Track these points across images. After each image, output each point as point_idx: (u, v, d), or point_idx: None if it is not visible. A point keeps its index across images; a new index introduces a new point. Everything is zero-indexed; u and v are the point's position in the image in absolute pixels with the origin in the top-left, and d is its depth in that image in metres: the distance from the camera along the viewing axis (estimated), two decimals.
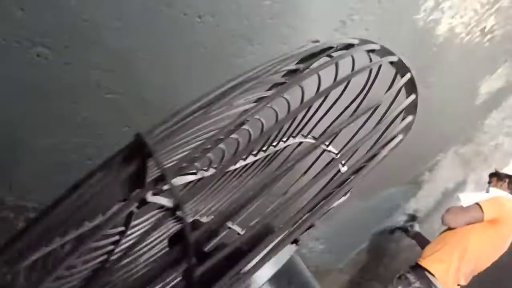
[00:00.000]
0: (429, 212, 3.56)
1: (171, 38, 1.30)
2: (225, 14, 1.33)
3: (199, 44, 1.37)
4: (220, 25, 1.35)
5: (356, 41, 0.50)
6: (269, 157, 0.75)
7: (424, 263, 2.38)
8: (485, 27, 2.05)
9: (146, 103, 1.40)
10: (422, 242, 2.82)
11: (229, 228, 0.79)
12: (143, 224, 0.66)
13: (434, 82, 2.16)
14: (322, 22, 1.54)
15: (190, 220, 0.75)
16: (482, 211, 2.22)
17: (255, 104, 0.45)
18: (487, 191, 2.57)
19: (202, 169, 0.68)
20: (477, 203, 2.28)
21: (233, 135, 0.59)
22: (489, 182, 2.72)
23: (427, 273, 2.33)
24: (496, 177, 2.66)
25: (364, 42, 0.50)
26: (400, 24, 1.74)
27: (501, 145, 3.28)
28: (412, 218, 3.07)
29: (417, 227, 2.95)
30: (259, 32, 1.44)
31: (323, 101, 0.61)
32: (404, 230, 2.98)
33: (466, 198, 2.46)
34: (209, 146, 0.41)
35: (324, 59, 0.49)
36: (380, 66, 0.50)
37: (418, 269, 2.40)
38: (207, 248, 0.57)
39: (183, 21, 1.28)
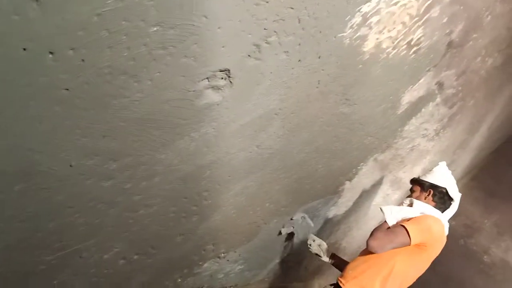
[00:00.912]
0: (347, 214, 3.48)
1: (10, 83, 0.88)
2: (91, 45, 0.93)
3: (57, 86, 0.96)
4: (87, 60, 0.95)
5: None
6: None
7: (346, 287, 2.20)
8: (412, 39, 1.85)
9: None
10: (340, 262, 2.64)
11: None
12: None
13: (359, 99, 1.94)
14: (231, 47, 1.19)
15: None
16: (409, 237, 2.05)
17: None
18: (411, 204, 2.32)
19: None
20: (403, 226, 2.07)
21: None
22: (412, 191, 2.47)
23: None
24: (419, 186, 2.40)
25: None
26: (324, 44, 1.45)
27: (417, 146, 3.24)
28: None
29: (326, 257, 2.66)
30: (146, 65, 1.06)
31: None
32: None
33: (390, 213, 2.23)
34: None
35: None
36: None
37: None
38: None
39: (24, 59, 0.86)
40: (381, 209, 2.31)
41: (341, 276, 2.33)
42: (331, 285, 2.38)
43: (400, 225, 2.11)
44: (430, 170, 2.42)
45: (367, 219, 4.13)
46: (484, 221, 5.34)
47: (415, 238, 2.06)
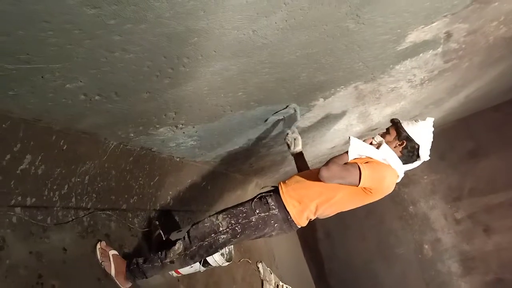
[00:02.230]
0: (308, 129, 3.53)
1: None
2: None
3: None
4: None
5: None
6: None
7: (284, 198, 2.28)
8: None
9: None
10: (301, 162, 2.72)
11: None
12: None
13: (368, 19, 1.84)
14: None
15: None
16: (360, 180, 2.07)
17: None
18: (379, 145, 2.27)
19: None
20: (359, 167, 2.08)
21: None
22: (387, 132, 2.37)
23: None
24: (397, 132, 2.31)
25: None
26: None
27: (398, 89, 3.24)
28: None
29: (299, 145, 2.75)
30: None
31: None
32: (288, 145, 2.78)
33: (355, 146, 2.21)
34: None
35: None
36: None
37: (279, 199, 2.31)
38: None
39: None
40: (349, 137, 2.28)
41: (284, 182, 2.39)
42: (273, 190, 2.41)
43: (358, 165, 2.11)
44: (416, 121, 2.31)
45: (323, 141, 4.23)
46: (423, 176, 5.65)
47: (364, 183, 2.09)
